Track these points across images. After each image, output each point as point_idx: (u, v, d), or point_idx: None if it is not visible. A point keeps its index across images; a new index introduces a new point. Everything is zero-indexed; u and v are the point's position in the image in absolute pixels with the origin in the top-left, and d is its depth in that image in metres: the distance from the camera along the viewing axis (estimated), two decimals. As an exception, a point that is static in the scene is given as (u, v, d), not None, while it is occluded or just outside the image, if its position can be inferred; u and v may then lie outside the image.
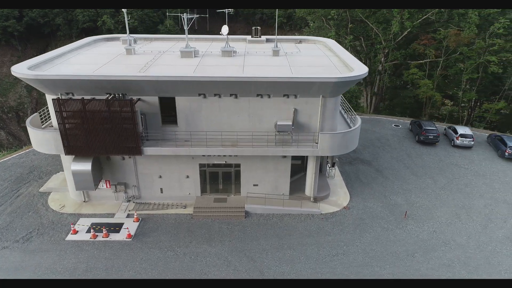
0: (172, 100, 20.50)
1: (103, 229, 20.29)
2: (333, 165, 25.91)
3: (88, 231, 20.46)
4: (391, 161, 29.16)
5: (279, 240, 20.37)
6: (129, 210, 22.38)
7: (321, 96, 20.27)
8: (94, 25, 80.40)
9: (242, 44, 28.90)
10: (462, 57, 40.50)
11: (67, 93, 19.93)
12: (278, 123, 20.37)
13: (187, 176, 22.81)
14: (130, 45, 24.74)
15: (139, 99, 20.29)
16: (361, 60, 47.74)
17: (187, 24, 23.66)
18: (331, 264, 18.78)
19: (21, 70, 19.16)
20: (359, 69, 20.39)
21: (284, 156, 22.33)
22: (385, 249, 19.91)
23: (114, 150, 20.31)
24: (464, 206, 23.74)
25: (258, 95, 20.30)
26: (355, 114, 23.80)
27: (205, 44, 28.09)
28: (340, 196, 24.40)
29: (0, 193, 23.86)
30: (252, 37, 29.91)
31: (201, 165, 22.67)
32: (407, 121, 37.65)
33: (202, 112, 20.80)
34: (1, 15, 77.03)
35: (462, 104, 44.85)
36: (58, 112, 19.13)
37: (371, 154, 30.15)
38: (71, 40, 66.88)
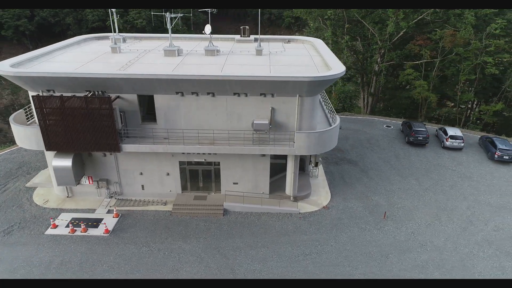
0: (151, 98, 20.80)
1: (81, 224, 20.66)
2: (316, 165, 25.93)
3: (68, 226, 20.86)
4: (378, 161, 29.02)
5: (254, 238, 20.48)
6: (110, 206, 22.75)
7: (297, 95, 20.34)
8: (103, 24, 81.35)
9: (230, 43, 29.08)
10: (458, 58, 40.05)
11: (48, 90, 20.34)
12: (255, 122, 20.47)
13: (168, 174, 23.08)
14: (115, 43, 25.12)
15: (118, 97, 20.62)
16: (358, 61, 47.72)
17: (171, 23, 23.98)
18: (303, 263, 18.83)
19: (3, 67, 19.64)
20: (336, 69, 20.39)
21: (263, 155, 22.43)
22: (360, 249, 19.87)
23: (93, 146, 20.68)
24: (446, 208, 23.53)
25: (235, 93, 20.45)
26: (335, 114, 23.76)
27: (194, 43, 28.36)
28: (321, 195, 24.40)
29: (-13, 187, 24.47)
30: (240, 36, 30.08)
31: (181, 163, 22.91)
32: (401, 122, 37.38)
33: (180, 110, 21.04)
34: (13, 15, 78.72)
35: (461, 106, 44.33)
36: (38, 108, 19.56)
37: (358, 155, 30.05)
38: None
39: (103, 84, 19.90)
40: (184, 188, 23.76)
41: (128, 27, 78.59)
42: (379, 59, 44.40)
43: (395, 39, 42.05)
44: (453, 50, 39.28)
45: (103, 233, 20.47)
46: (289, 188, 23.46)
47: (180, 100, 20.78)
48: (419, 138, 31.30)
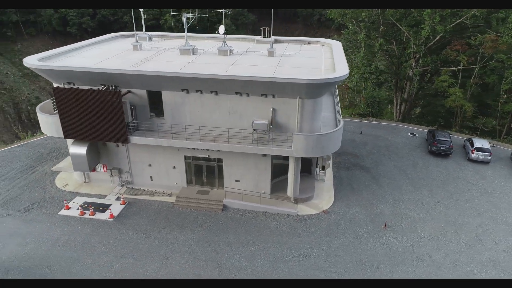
0: (159, 94, 21.93)
1: (90, 208, 22.34)
2: (323, 168, 25.69)
3: (78, 208, 22.63)
4: (392, 170, 28.04)
5: (247, 235, 20.87)
6: (120, 194, 24.28)
7: (298, 97, 20.39)
8: (157, 23, 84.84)
9: (248, 44, 29.59)
10: (500, 65, 37.30)
11: (69, 83, 22.20)
12: (254, 121, 20.82)
13: (174, 167, 24.14)
14: (137, 41, 26.69)
15: (129, 91, 21.99)
16: (393, 65, 46.07)
17: (186, 23, 25.05)
18: (289, 264, 18.90)
19: (30, 60, 21.78)
20: (338, 72, 20.16)
21: (264, 155, 22.71)
22: (351, 256, 19.50)
23: (104, 136, 22.25)
24: (456, 223, 22.26)
25: (237, 93, 20.95)
26: (341, 117, 23.39)
27: (215, 43, 29.06)
28: (323, 199, 24.16)
29: (20, 168, 27.15)
30: (261, 37, 30.51)
31: (186, 157, 23.86)
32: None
33: (185, 107, 21.96)
34: (77, 12, 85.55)
35: (502, 117, 41.17)
36: (57, 99, 21.47)
37: (373, 161, 29.21)
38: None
39: (114, 79, 21.34)
40: (189, 182, 24.71)
41: (179, 26, 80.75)
42: (413, 64, 42.56)
43: (431, 43, 40.09)
44: (493, 56, 36.69)
45: (108, 218, 21.96)
46: (290, 189, 23.50)
47: (185, 97, 21.69)
48: (441, 148, 29.73)
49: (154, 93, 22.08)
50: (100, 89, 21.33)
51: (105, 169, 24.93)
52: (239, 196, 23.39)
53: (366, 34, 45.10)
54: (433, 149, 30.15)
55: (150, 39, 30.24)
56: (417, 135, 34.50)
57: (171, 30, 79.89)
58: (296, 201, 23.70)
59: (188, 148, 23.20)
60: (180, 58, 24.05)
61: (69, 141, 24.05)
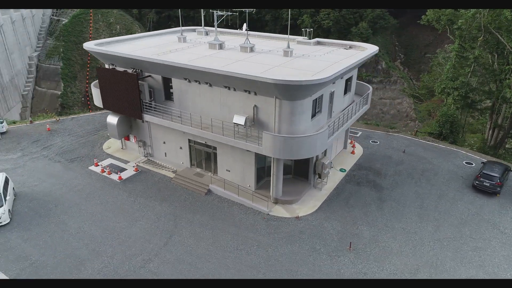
0: (170, 80, 24.92)
1: (107, 168, 27.07)
2: (319, 176, 24.74)
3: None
4: (408, 196, 24.77)
5: (210, 220, 22.19)
6: (136, 162, 28.41)
7: (274, 97, 20.52)
8: (295, 23, 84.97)
9: (285, 44, 29.86)
10: None
11: (112, 64, 27.19)
12: (234, 116, 21.83)
13: (180, 148, 26.93)
14: (181, 34, 30.30)
15: (149, 75, 25.62)
16: (487, 81, 38.96)
17: (217, 20, 27.33)
18: (224, 254, 19.51)
19: (88, 45, 27.47)
20: (315, 76, 19.51)
21: (248, 150, 23.36)
22: (290, 265, 18.86)
23: (126, 111, 26.58)
24: (437, 268, 18.77)
25: (225, 87, 22.28)
26: (327, 125, 22.17)
27: (258, 41, 30.47)
28: (306, 206, 23.40)
29: (89, 130, 34.25)
30: (303, 38, 30.55)
31: (190, 141, 26.32)
32: None
33: (188, 95, 24.41)
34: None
35: None
36: (99, 77, 26.66)
37: (394, 183, 26.24)
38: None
39: (138, 64, 25.22)
40: (192, 163, 27.17)
41: (315, 26, 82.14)
42: (512, 83, 35.17)
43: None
44: None
45: (117, 179, 26.25)
46: (271, 189, 23.60)
47: (188, 86, 24.11)
48: (484, 183, 24.59)
49: (167, 79, 25.17)
50: (131, 71, 25.46)
51: (135, 140, 29.47)
52: (222, 185, 24.70)
53: (460, 44, 39.19)
54: (475, 183, 25.19)
55: (206, 34, 33.54)
56: (473, 165, 28.98)
57: (307, 29, 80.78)
58: (276, 201, 23.66)
59: (191, 133, 25.59)
60: (203, 51, 26.49)
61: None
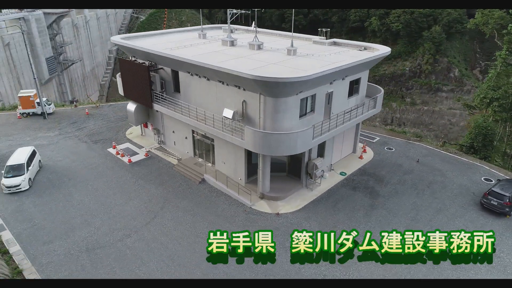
0: (178, 73, 26.55)
1: (121, 150, 29.62)
2: (310, 177, 24.60)
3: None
4: (404, 206, 23.51)
5: (194, 206, 23.32)
6: (147, 148, 30.58)
7: (259, 93, 20.99)
8: (362, 25, 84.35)
9: (302, 43, 29.88)
10: None
11: (134, 57, 29.65)
12: (224, 109, 22.70)
13: (186, 138, 28.48)
14: (202, 31, 31.90)
15: (161, 68, 27.54)
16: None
17: (230, 18, 28.42)
18: (194, 239, 20.35)
19: (115, 38, 30.27)
20: (300, 74, 19.74)
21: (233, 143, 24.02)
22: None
23: (140, 100, 28.82)
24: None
25: (219, 81, 23.25)
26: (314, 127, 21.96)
27: (272, 39, 31.10)
28: (290, 204, 23.45)
29: (120, 116, 37.50)
30: (320, 38, 30.40)
31: (193, 132, 27.72)
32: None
33: (191, 87, 25.83)
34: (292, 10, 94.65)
35: None
36: (120, 67, 29.29)
37: (393, 192, 25.03)
38: (340, 36, 65.25)
39: (152, 57, 27.26)
40: (195, 153, 28.56)
41: (383, 29, 79.27)
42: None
43: None
44: None
45: (127, 162, 28.63)
46: (258, 184, 24.05)
47: (191, 79, 25.52)
48: (492, 202, 22.41)
49: (175, 72, 26.83)
50: (147, 64, 27.62)
51: (151, 127, 31.76)
52: (214, 175, 25.70)
53: (509, 50, 35.65)
54: (482, 201, 23.06)
55: (232, 31, 34.76)
56: (493, 181, 26.37)
57: (373, 33, 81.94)
58: (263, 196, 24.05)
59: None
60: (213, 48, 27.75)
61: (132, 100, 31.89)
